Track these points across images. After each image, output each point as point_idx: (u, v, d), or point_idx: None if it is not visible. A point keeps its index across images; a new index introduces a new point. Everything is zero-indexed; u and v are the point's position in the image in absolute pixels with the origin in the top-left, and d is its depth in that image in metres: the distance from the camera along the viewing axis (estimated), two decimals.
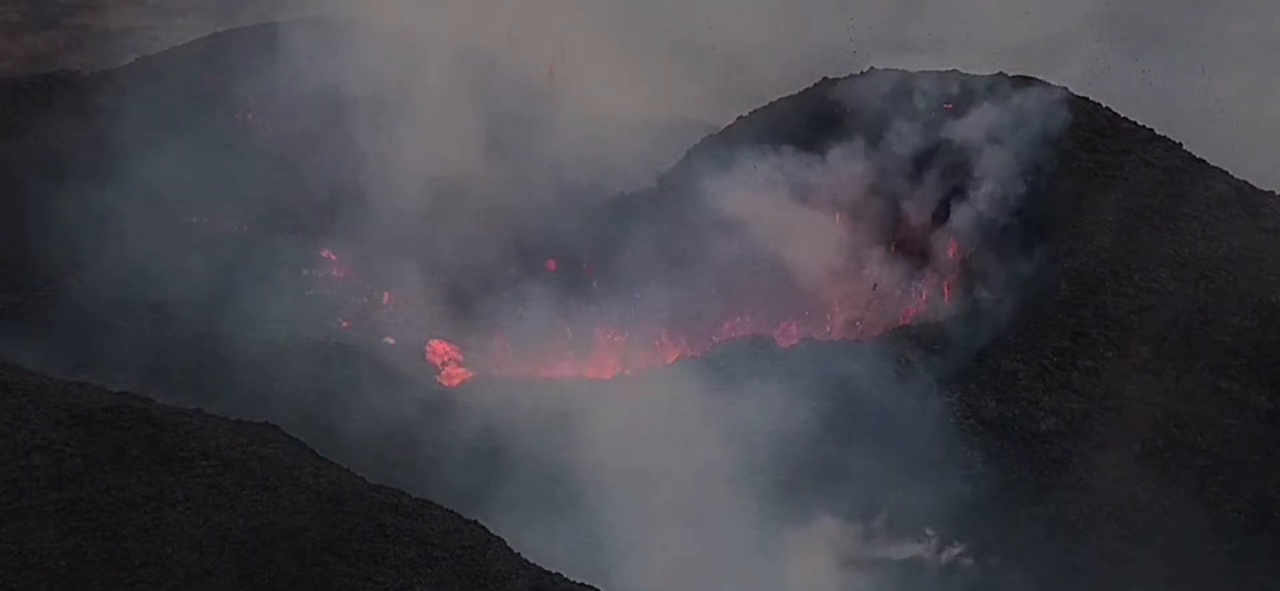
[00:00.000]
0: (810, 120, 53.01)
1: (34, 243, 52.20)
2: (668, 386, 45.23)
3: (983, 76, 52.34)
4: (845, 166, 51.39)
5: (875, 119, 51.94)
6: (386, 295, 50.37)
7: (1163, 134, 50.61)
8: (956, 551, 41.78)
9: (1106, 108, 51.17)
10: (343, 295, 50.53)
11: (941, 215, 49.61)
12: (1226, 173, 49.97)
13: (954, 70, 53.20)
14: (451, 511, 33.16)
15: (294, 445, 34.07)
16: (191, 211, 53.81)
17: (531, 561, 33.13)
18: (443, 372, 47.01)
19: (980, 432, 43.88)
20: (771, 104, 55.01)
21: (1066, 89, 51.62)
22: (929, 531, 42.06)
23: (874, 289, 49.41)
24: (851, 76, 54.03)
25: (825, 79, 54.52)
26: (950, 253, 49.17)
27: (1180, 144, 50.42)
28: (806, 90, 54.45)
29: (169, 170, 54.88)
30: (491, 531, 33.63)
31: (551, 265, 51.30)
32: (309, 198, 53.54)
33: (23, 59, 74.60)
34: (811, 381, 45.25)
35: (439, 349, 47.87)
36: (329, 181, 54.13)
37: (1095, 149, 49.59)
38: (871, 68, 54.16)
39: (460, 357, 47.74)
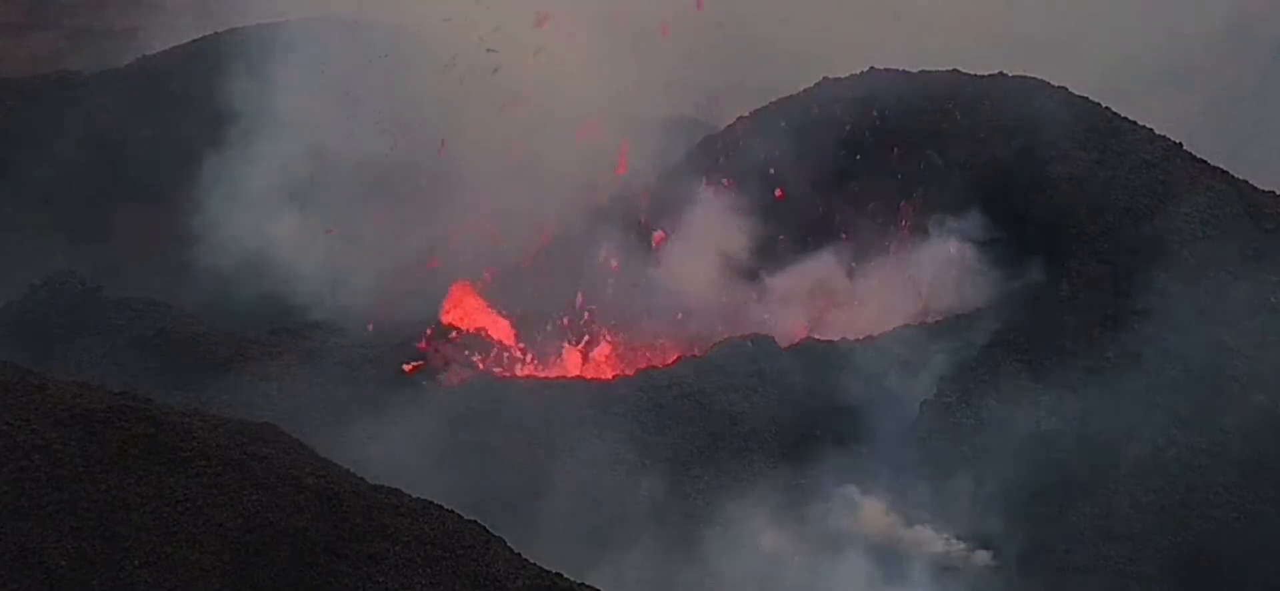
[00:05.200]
0: (810, 120, 53.02)
1: (34, 242, 52.25)
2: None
3: (982, 76, 52.35)
4: (844, 167, 51.42)
5: (875, 119, 51.94)
6: (387, 294, 50.42)
7: (1162, 133, 50.67)
8: (955, 550, 41.79)
9: (1105, 107, 51.17)
10: (343, 294, 50.58)
11: (941, 215, 49.59)
12: (1226, 172, 49.95)
13: (954, 70, 53.20)
14: (451, 511, 33.11)
15: (294, 445, 34.02)
16: (191, 210, 53.88)
17: (531, 561, 33.11)
18: (443, 372, 47.01)
19: (980, 432, 43.88)
20: (772, 104, 55.02)
21: (1066, 88, 51.64)
22: (927, 530, 42.09)
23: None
24: (851, 76, 54.04)
25: (825, 79, 54.53)
26: (951, 252, 49.17)
27: (1180, 144, 50.41)
28: (806, 90, 54.46)
29: (169, 169, 54.96)
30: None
31: (552, 265, 51.29)
32: (310, 197, 53.56)
33: (24, 60, 74.60)
34: (811, 380, 45.28)
35: (439, 348, 47.87)
36: (330, 181, 54.17)
37: (1094, 148, 49.58)
38: (871, 67, 54.16)
39: (460, 357, 47.75)
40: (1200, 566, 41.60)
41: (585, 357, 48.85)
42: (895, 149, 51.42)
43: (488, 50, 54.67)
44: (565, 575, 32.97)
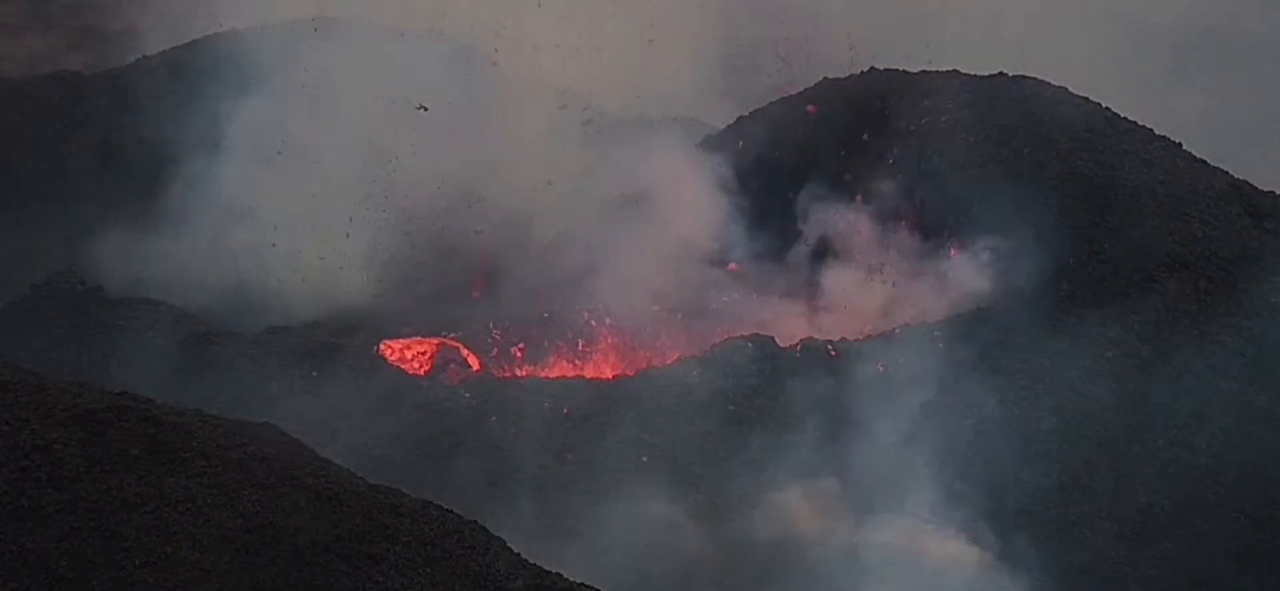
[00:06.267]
0: (810, 120, 53.03)
1: (34, 242, 52.19)
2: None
3: (982, 76, 52.33)
4: (844, 167, 51.43)
5: (874, 120, 51.95)
6: (387, 294, 50.41)
7: (1162, 133, 50.65)
8: (955, 551, 41.79)
9: (1105, 107, 51.17)
10: (344, 294, 50.55)
11: (940, 216, 49.59)
12: (1226, 172, 49.96)
13: (954, 71, 53.19)
14: (451, 511, 33.12)
15: (294, 445, 34.04)
16: (192, 211, 53.85)
17: (531, 561, 33.13)
18: (443, 371, 47.01)
19: (981, 433, 43.86)
20: (771, 104, 55.03)
21: (1066, 88, 51.62)
22: (928, 530, 42.07)
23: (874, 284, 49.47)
24: (851, 76, 54.05)
25: (825, 79, 54.54)
26: (951, 254, 49.16)
27: (1180, 144, 50.42)
28: (806, 90, 54.48)
29: (169, 170, 54.91)
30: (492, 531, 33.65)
31: (552, 263, 51.30)
32: (309, 198, 53.51)
33: (23, 60, 74.60)
34: (811, 380, 45.26)
35: (439, 348, 47.87)
36: (330, 181, 54.11)
37: (1094, 148, 49.57)
38: (871, 67, 54.16)
39: (460, 357, 47.75)
40: (1201, 568, 41.60)
41: (585, 358, 48.86)
42: (895, 149, 51.39)
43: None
44: (565, 575, 33.01)
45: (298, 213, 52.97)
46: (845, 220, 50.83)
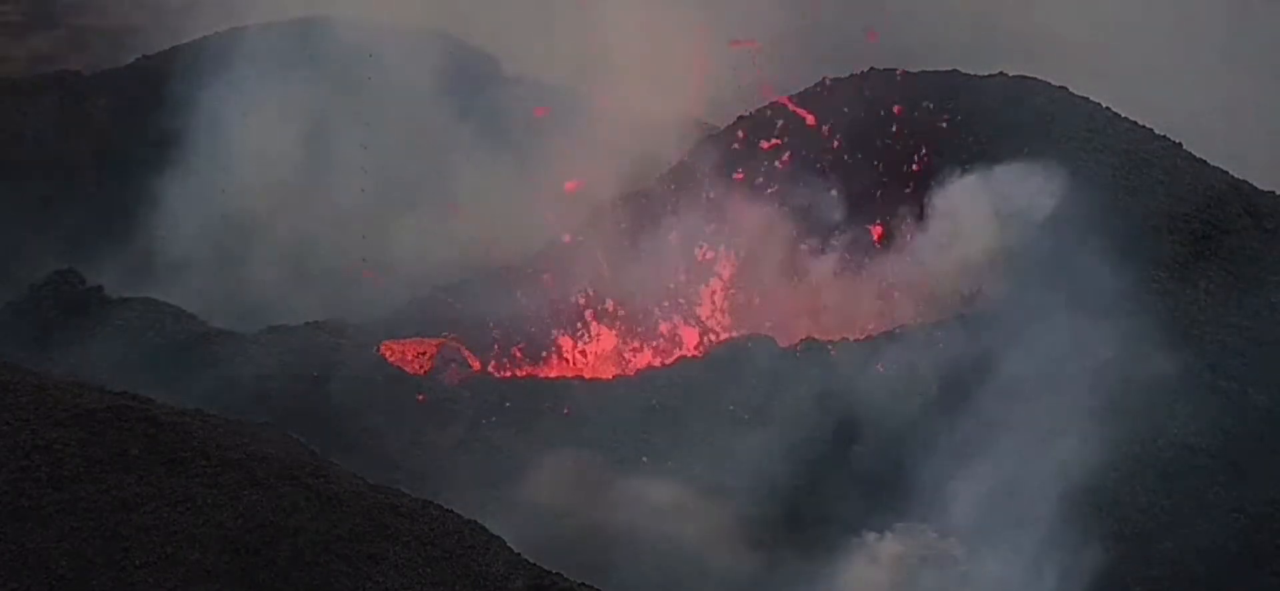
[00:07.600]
0: (810, 120, 53.07)
1: (34, 242, 52.22)
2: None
3: (982, 76, 52.37)
4: (845, 167, 51.45)
5: (874, 119, 51.97)
6: (387, 295, 50.43)
7: (1162, 133, 50.67)
8: (957, 554, 41.83)
9: (1105, 106, 51.20)
10: (344, 293, 50.58)
11: (941, 215, 49.62)
12: (1226, 172, 49.99)
13: (954, 70, 53.23)
14: (451, 511, 33.19)
15: (294, 445, 34.09)
16: (191, 211, 53.92)
17: (531, 561, 33.18)
18: (443, 371, 47.04)
19: (982, 433, 43.90)
20: (771, 104, 55.05)
21: (1066, 88, 51.66)
22: (930, 533, 42.12)
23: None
24: (851, 76, 54.08)
25: (825, 78, 54.56)
26: (949, 254, 49.18)
27: (1180, 143, 50.44)
28: (806, 90, 54.50)
29: (169, 170, 54.98)
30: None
31: (554, 265, 51.34)
32: (310, 198, 53.58)
33: (24, 60, 74.64)
34: (811, 382, 45.30)
35: (439, 348, 47.91)
36: (331, 180, 54.18)
37: (1095, 147, 49.61)
38: (871, 68, 54.19)
39: (460, 357, 47.79)
40: (1201, 568, 41.62)
41: (585, 356, 48.91)
42: (895, 149, 51.41)
43: None
44: (565, 575, 33.06)
45: (297, 212, 53.03)
46: (845, 220, 50.89)
